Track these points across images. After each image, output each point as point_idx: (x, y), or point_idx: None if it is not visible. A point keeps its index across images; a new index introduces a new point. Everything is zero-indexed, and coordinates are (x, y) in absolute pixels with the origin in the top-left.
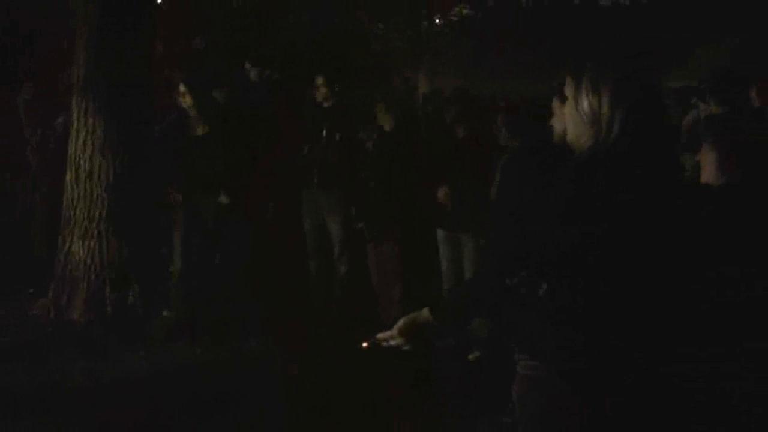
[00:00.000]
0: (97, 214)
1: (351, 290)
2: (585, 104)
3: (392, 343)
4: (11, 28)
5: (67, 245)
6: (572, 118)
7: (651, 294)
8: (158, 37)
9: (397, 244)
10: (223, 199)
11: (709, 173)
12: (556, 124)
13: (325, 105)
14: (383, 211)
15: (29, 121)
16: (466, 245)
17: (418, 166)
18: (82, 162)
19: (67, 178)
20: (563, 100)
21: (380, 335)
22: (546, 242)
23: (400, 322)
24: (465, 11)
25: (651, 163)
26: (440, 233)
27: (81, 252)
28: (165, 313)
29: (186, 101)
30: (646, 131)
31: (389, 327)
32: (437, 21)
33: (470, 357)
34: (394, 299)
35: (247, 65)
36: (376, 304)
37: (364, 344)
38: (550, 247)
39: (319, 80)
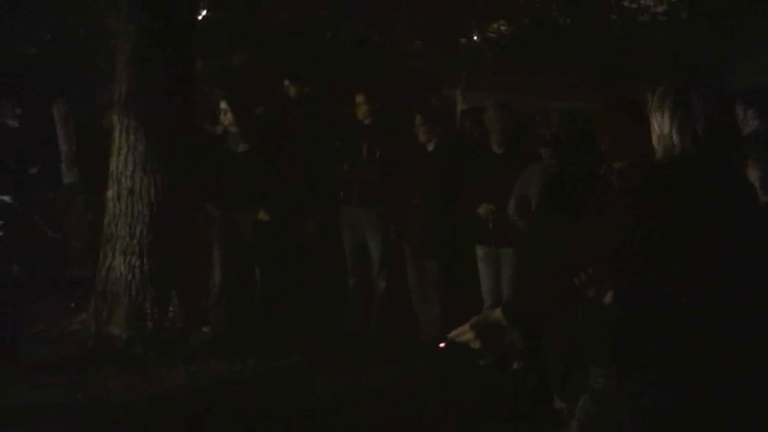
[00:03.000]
0: (138, 230)
1: (390, 308)
2: (656, 122)
3: (463, 339)
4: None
5: (108, 261)
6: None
7: (731, 300)
8: (197, 54)
9: (438, 262)
10: (263, 215)
11: None
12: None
13: (366, 122)
14: (424, 229)
15: (65, 136)
16: (505, 261)
17: (459, 183)
18: (123, 178)
19: (109, 194)
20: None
21: (453, 332)
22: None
23: (473, 320)
24: (503, 28)
25: (727, 174)
26: (480, 250)
27: (122, 268)
28: (205, 329)
29: (227, 118)
30: (723, 144)
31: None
32: (475, 38)
33: (480, 363)
34: (434, 317)
35: (286, 83)
36: (415, 321)
37: (441, 345)
38: (631, 239)
39: (360, 98)
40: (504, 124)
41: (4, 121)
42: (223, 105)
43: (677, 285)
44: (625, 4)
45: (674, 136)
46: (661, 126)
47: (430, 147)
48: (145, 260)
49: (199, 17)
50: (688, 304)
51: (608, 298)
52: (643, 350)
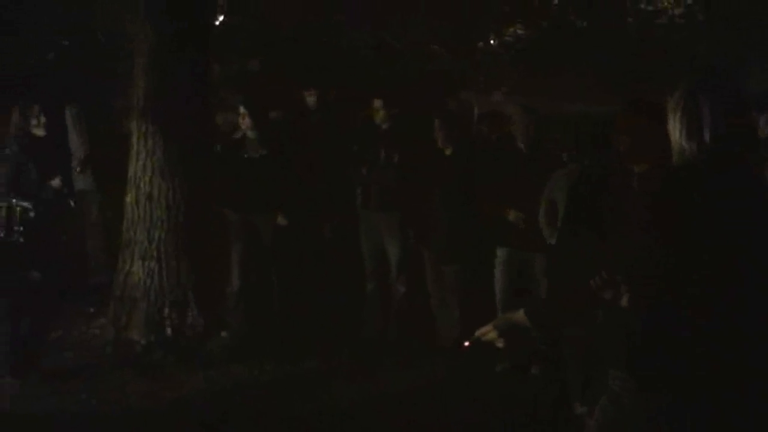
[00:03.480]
0: (156, 235)
1: (408, 312)
2: (670, 125)
3: (487, 338)
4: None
5: (127, 266)
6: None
7: (750, 321)
8: (215, 59)
9: (456, 266)
10: (281, 220)
11: None
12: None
13: (383, 127)
14: (443, 233)
15: (77, 141)
16: (531, 266)
17: (477, 187)
18: (141, 184)
19: (127, 199)
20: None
21: (478, 331)
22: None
23: (497, 320)
24: (520, 31)
25: (741, 176)
26: (502, 253)
27: (141, 273)
28: (223, 334)
29: (245, 123)
30: (742, 145)
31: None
32: (492, 42)
33: (497, 368)
34: (452, 321)
35: (305, 89)
36: (433, 326)
37: (466, 343)
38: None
39: (377, 102)
40: (528, 126)
41: (29, 128)
42: (240, 110)
43: (694, 306)
44: (642, 6)
45: (683, 141)
46: (673, 130)
47: (448, 151)
48: (164, 265)
49: (216, 22)
50: (706, 326)
51: (625, 301)
52: (660, 372)
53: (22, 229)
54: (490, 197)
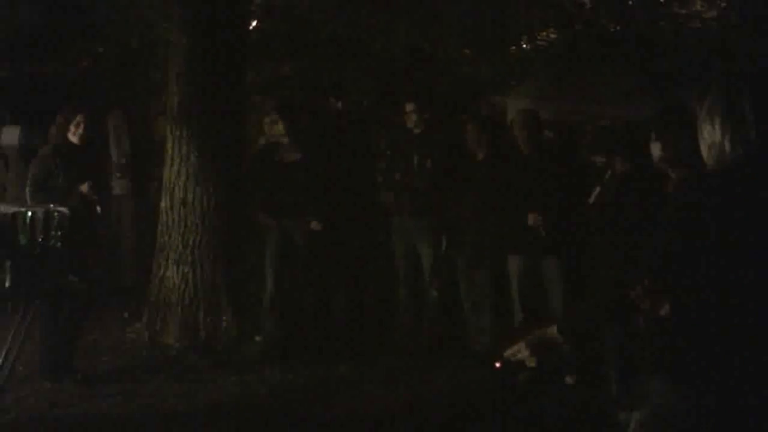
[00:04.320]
0: (191, 240)
1: (441, 317)
2: (706, 130)
3: (519, 357)
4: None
5: (161, 271)
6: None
7: None
8: (248, 65)
9: (489, 271)
10: (315, 225)
11: None
12: (655, 149)
13: (416, 131)
14: (475, 238)
15: (116, 147)
16: (547, 269)
17: (511, 193)
18: (176, 189)
19: (162, 204)
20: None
21: (508, 351)
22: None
23: (528, 338)
24: (552, 35)
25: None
26: (515, 261)
27: (175, 277)
28: (257, 338)
29: (278, 128)
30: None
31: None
32: (524, 45)
33: (520, 378)
34: (485, 326)
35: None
36: (466, 331)
37: (497, 364)
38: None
39: (409, 107)
40: (530, 130)
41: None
42: (274, 115)
43: (734, 312)
44: (675, 9)
45: (725, 144)
46: (711, 134)
47: (481, 156)
48: (198, 270)
49: (250, 27)
50: (747, 332)
51: (665, 310)
52: (700, 377)
53: (59, 233)
54: (522, 203)
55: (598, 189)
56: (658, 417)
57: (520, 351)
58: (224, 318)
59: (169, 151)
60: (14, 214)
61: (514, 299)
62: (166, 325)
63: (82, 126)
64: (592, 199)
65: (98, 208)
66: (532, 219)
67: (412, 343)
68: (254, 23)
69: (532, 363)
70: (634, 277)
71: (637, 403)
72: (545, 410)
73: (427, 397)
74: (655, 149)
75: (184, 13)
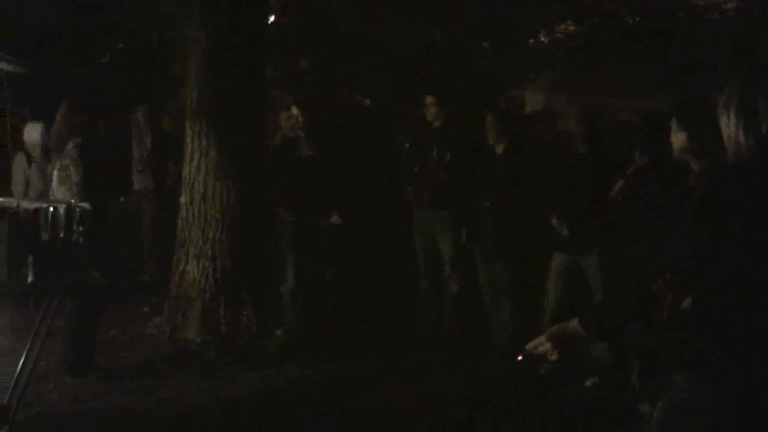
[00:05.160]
0: (211, 235)
1: (462, 310)
2: (723, 122)
3: (541, 350)
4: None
5: (181, 265)
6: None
7: None
8: (267, 60)
9: (509, 264)
10: (335, 219)
11: None
12: (674, 140)
13: (435, 125)
14: (495, 231)
15: (138, 142)
16: (587, 267)
17: (531, 187)
18: (196, 184)
19: (182, 199)
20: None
21: (530, 344)
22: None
23: (550, 331)
24: (571, 28)
25: None
26: (557, 259)
27: (195, 272)
28: (278, 333)
29: (298, 123)
30: None
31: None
32: (542, 39)
33: (541, 370)
34: (505, 319)
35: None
36: (487, 323)
37: (519, 357)
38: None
39: (429, 100)
40: (588, 127)
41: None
42: (293, 110)
43: (754, 305)
44: (694, 1)
45: (740, 138)
46: (727, 126)
47: (499, 149)
48: (218, 265)
49: (268, 22)
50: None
51: (686, 304)
52: (722, 372)
53: (81, 229)
54: (543, 198)
55: (621, 183)
56: (678, 410)
57: (541, 344)
58: (244, 313)
59: (189, 147)
60: (36, 210)
61: (549, 298)
62: (187, 319)
63: (101, 121)
64: (614, 193)
65: (121, 199)
66: (555, 222)
67: (433, 336)
68: (272, 18)
69: (553, 356)
70: (655, 270)
71: (659, 396)
72: (567, 404)
73: (447, 391)
74: (676, 140)
75: (203, 9)
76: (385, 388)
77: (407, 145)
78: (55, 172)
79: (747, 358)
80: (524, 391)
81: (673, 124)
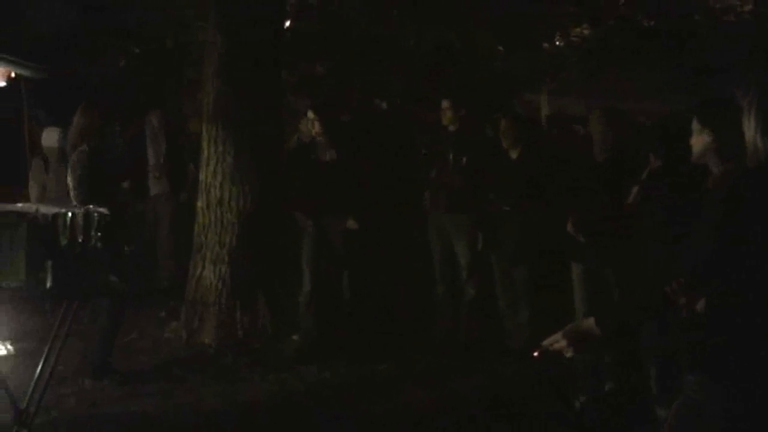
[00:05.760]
0: (227, 239)
1: (478, 314)
2: (749, 122)
3: (556, 347)
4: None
5: (198, 270)
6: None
7: None
8: (283, 64)
9: (525, 268)
10: (352, 223)
11: None
12: (696, 142)
13: (451, 129)
14: (511, 236)
15: (154, 147)
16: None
17: (547, 191)
18: (212, 189)
19: (198, 204)
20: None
21: (546, 341)
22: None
23: (566, 328)
24: (586, 31)
25: None
26: (575, 269)
27: (212, 277)
28: (294, 337)
29: (315, 127)
30: None
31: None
32: (557, 42)
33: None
34: (522, 324)
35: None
36: (503, 328)
37: (535, 354)
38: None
39: (445, 103)
40: (605, 133)
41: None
42: (310, 114)
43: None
44: (710, 3)
45: (758, 139)
46: (747, 129)
47: (515, 153)
48: (235, 269)
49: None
50: None
51: (700, 306)
52: (736, 373)
53: (99, 234)
54: (560, 202)
55: (636, 189)
56: (691, 411)
57: (558, 341)
58: (261, 317)
59: (206, 151)
60: (55, 215)
61: (577, 308)
62: (204, 324)
63: (118, 124)
64: (630, 199)
65: (139, 205)
66: (570, 228)
67: (450, 341)
68: (288, 23)
69: (569, 353)
70: (671, 272)
71: (675, 399)
72: (583, 407)
73: (464, 395)
74: (698, 142)
75: (219, 13)
76: (401, 392)
77: (423, 149)
78: (68, 178)
79: (764, 361)
80: (540, 394)
81: (695, 126)
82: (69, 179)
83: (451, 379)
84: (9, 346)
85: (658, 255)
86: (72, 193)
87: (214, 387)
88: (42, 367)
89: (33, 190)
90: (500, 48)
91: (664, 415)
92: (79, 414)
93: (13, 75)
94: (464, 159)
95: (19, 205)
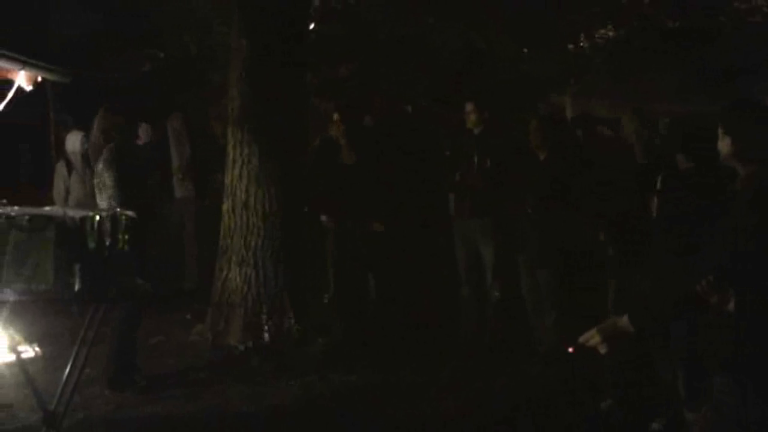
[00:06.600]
0: (252, 242)
1: (503, 316)
2: None
3: (591, 343)
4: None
5: (224, 273)
6: None
7: None
8: (308, 67)
9: (551, 271)
10: (377, 226)
11: None
12: (721, 145)
13: (476, 131)
14: (537, 238)
15: (178, 150)
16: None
17: (574, 193)
18: (238, 191)
19: (224, 207)
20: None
21: (582, 337)
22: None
23: (601, 325)
24: (611, 33)
25: None
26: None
27: (238, 279)
28: (320, 340)
29: (338, 130)
30: None
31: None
32: (582, 44)
33: (602, 406)
34: (548, 326)
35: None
36: (529, 331)
37: (570, 349)
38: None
39: (469, 106)
40: (640, 133)
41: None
42: (335, 117)
43: None
44: (735, 4)
45: None
46: None
47: (542, 155)
48: (261, 272)
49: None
50: None
51: (731, 305)
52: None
53: (126, 236)
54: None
55: (656, 201)
56: (719, 412)
57: (593, 337)
58: (287, 320)
59: (231, 154)
60: (82, 219)
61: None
62: (229, 326)
63: (142, 128)
64: (654, 212)
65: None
66: (602, 236)
67: (476, 344)
68: (312, 26)
69: (603, 350)
70: (700, 272)
71: (702, 402)
72: (610, 410)
73: (490, 398)
74: (723, 145)
75: (243, 17)
76: (426, 396)
77: (448, 152)
78: (95, 180)
79: None
80: (566, 397)
81: (720, 130)
82: (98, 180)
83: (477, 382)
84: (37, 348)
85: (686, 253)
86: (109, 193)
87: (240, 389)
88: (70, 369)
89: (57, 192)
90: (525, 50)
91: (691, 419)
92: (106, 416)
93: (39, 79)
94: (488, 161)
95: (47, 208)
